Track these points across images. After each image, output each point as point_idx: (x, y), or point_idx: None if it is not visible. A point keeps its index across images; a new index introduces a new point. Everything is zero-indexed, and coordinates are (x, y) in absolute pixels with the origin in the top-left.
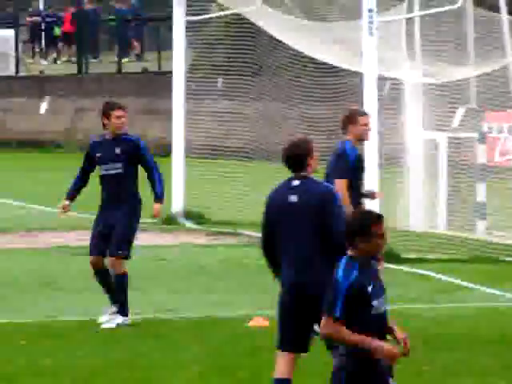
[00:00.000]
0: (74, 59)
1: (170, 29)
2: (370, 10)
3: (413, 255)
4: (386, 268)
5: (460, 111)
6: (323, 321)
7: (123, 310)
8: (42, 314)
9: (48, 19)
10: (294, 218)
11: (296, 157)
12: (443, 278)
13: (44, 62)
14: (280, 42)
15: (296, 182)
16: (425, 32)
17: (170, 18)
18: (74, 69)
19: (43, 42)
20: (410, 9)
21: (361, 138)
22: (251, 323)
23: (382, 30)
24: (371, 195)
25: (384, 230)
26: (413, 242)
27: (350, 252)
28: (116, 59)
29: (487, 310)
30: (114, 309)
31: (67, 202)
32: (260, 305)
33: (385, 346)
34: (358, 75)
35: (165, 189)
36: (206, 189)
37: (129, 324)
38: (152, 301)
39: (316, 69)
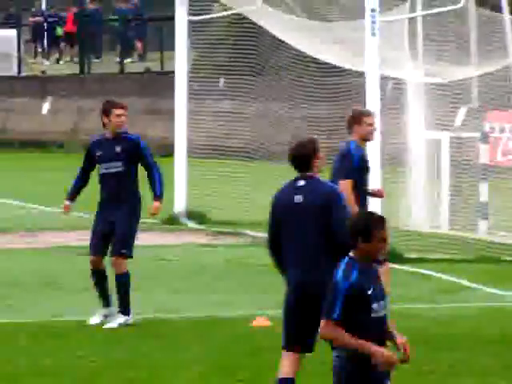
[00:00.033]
0: (76, 59)
1: (173, 29)
2: (373, 10)
3: (414, 255)
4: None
5: (462, 111)
6: (322, 322)
7: (125, 310)
8: (43, 314)
9: (50, 19)
10: (300, 218)
11: (302, 157)
12: (445, 277)
13: (46, 62)
14: (282, 42)
15: (301, 182)
16: (427, 32)
17: (172, 18)
18: (76, 69)
19: (45, 42)
20: (413, 9)
21: (366, 138)
22: (255, 323)
23: (385, 29)
24: (378, 193)
25: (386, 234)
26: (415, 242)
27: (351, 253)
28: (118, 59)
29: (489, 310)
30: (105, 311)
31: (68, 203)
32: (261, 305)
33: (384, 351)
34: (363, 75)
35: (164, 188)
36: (207, 189)
37: (130, 324)
38: (153, 301)
39: (318, 69)
